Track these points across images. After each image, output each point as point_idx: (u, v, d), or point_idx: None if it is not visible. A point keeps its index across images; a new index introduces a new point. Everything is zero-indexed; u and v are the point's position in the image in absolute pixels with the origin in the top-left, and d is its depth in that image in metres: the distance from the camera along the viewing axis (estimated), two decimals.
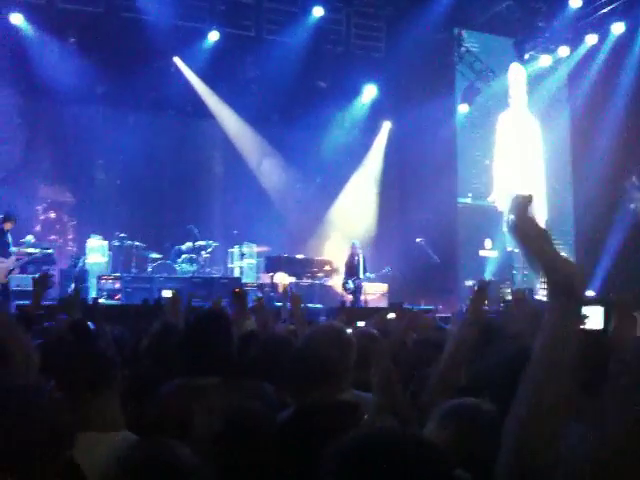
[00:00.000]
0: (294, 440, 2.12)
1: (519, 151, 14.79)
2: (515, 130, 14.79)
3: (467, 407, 1.89)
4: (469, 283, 13.29)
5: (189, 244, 12.87)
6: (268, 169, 14.37)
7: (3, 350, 2.78)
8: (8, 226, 10.42)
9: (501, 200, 14.39)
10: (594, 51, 13.79)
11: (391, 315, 4.89)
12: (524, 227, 1.33)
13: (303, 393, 2.37)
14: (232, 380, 2.64)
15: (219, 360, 2.82)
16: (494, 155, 14.66)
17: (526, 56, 14.12)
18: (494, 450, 1.39)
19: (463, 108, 14.26)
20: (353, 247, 12.37)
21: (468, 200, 14.50)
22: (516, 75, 14.69)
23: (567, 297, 1.26)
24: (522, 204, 1.33)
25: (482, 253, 13.75)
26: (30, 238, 11.80)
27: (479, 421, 1.80)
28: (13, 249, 10.65)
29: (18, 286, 10.59)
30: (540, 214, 14.64)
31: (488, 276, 12.89)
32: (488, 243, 13.82)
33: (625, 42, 13.14)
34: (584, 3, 12.97)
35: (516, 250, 13.90)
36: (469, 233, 14.07)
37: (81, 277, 11.69)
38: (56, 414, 1.27)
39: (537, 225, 1.32)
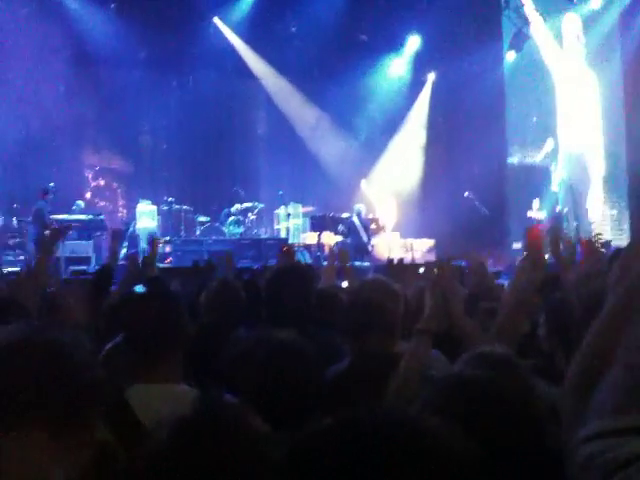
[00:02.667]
0: (350, 389, 2.12)
1: (576, 106, 14.30)
2: (571, 83, 14.26)
3: (499, 355, 1.86)
4: (517, 246, 12.86)
5: (238, 206, 12.96)
6: (312, 127, 14.24)
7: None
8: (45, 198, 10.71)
9: (560, 158, 14.00)
10: None
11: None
12: None
13: (359, 342, 2.36)
14: (306, 332, 2.63)
15: (296, 313, 2.85)
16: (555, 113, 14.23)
17: None
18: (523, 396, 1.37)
19: (510, 56, 13.80)
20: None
21: (515, 159, 14.16)
22: (571, 25, 14.09)
23: None
24: None
25: (530, 214, 13.27)
26: (80, 203, 12.06)
27: (510, 367, 1.76)
28: (58, 217, 10.91)
29: (73, 252, 10.87)
30: (597, 167, 14.22)
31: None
32: (536, 203, 13.29)
33: None
34: None
35: (565, 210, 13.51)
36: (517, 193, 13.70)
37: (132, 242, 11.92)
38: (87, 368, 1.25)
39: None
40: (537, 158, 14.27)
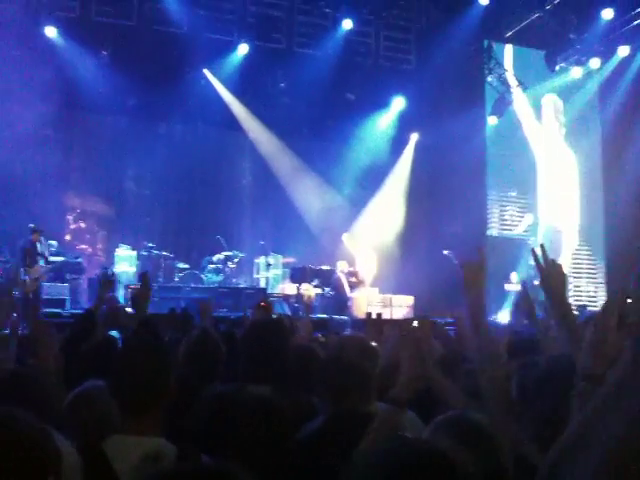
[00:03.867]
0: (323, 448, 2.09)
1: (555, 182, 14.67)
2: (550, 159, 14.66)
3: (466, 419, 1.83)
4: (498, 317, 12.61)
5: (220, 256, 12.94)
6: (296, 180, 14.39)
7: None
8: (35, 237, 10.60)
9: (539, 233, 14.25)
10: (626, 63, 13.63)
11: (415, 324, 4.83)
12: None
13: (335, 402, 2.35)
14: (282, 390, 2.58)
15: (273, 369, 2.81)
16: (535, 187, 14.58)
17: (557, 68, 14.01)
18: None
19: (492, 121, 14.17)
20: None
21: (495, 231, 14.32)
22: (550, 106, 14.62)
23: None
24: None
25: (507, 287, 13.25)
26: (54, 243, 11.88)
27: (475, 435, 1.73)
28: (43, 260, 10.76)
29: (48, 294, 10.73)
30: (574, 243, 14.47)
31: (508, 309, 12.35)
32: (514, 276, 13.35)
33: None
34: (616, 14, 12.85)
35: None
36: (495, 261, 13.76)
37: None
38: (37, 444, 1.23)
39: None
40: (517, 231, 14.48)
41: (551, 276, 2.49)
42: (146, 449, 1.87)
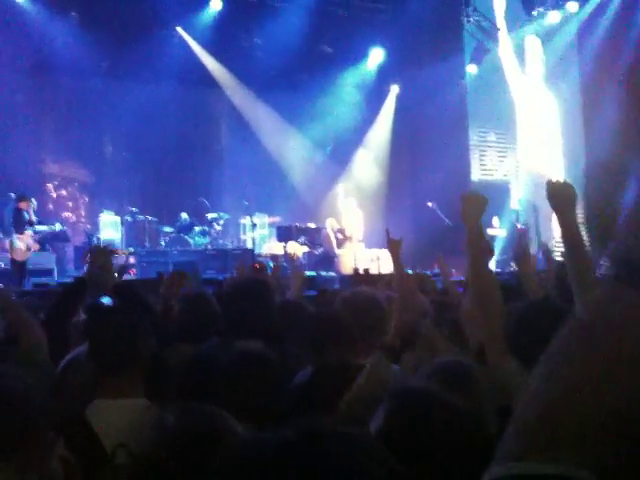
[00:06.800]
0: (309, 399, 2.15)
1: (536, 125, 14.63)
2: (530, 102, 14.59)
3: (454, 364, 1.88)
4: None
5: (185, 215, 12.86)
6: (277, 138, 14.27)
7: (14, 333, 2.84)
8: (23, 205, 10.49)
9: (520, 176, 14.30)
10: (604, 5, 13.47)
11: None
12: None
13: (319, 355, 2.40)
14: (273, 345, 2.62)
15: (261, 324, 2.84)
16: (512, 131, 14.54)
17: (535, 12, 13.86)
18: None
19: (472, 69, 14.06)
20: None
21: (476, 176, 14.32)
22: (532, 47, 14.48)
23: None
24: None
25: (490, 232, 13.34)
26: None
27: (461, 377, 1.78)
28: (32, 228, 10.66)
29: (34, 264, 10.67)
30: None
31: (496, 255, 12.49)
32: (496, 221, 13.43)
33: None
34: None
35: (522, 226, 13.70)
36: None
37: None
38: (25, 402, 1.25)
39: None
40: (497, 175, 14.50)
41: (559, 194, 2.35)
42: (128, 411, 1.92)
